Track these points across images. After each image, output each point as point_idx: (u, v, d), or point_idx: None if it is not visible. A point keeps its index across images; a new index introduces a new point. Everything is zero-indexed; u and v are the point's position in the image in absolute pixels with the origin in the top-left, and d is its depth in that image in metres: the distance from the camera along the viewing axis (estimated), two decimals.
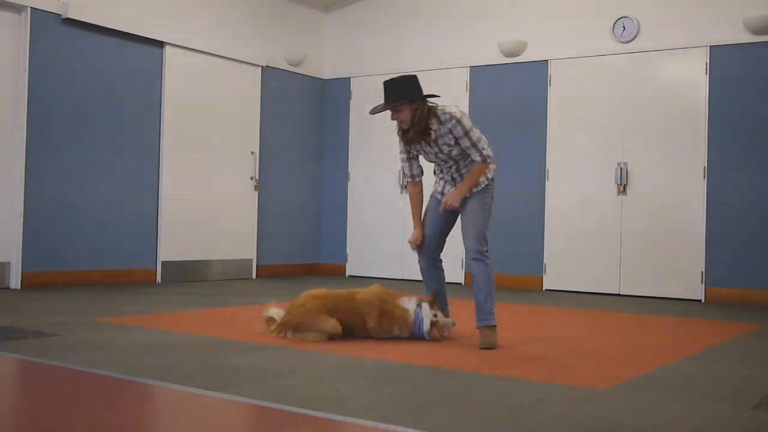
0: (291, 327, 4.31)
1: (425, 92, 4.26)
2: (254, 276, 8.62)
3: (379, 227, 8.96)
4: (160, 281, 7.68)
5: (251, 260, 8.62)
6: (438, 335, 4.34)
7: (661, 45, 7.42)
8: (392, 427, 2.52)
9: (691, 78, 7.29)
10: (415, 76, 4.31)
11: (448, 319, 4.44)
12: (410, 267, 8.75)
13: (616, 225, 7.57)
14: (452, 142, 4.27)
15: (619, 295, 7.49)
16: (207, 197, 8.15)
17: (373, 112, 4.35)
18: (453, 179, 4.42)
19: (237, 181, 8.50)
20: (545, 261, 7.95)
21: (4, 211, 6.58)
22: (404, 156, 4.46)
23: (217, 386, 3.05)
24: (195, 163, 8.02)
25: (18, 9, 6.66)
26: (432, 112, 4.24)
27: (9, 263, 6.61)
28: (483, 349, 4.14)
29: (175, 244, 7.82)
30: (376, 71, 9.10)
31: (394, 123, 4.34)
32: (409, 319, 4.33)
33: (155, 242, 7.69)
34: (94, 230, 7.16)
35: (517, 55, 8.18)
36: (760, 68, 7.00)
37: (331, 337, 4.28)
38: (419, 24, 8.85)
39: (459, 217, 4.42)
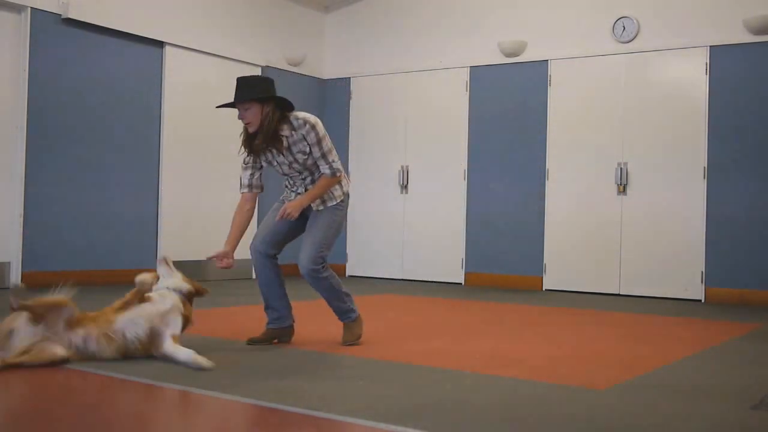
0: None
1: (282, 99, 3.99)
2: (254, 276, 8.60)
3: (379, 227, 8.96)
4: None
5: (251, 260, 8.60)
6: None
7: (661, 45, 7.42)
8: (392, 427, 2.51)
9: (691, 78, 7.29)
10: (271, 79, 4.04)
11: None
12: (410, 267, 8.76)
13: (616, 225, 7.57)
14: (307, 150, 3.97)
15: (619, 295, 7.49)
16: (207, 197, 8.14)
17: (219, 106, 4.10)
18: (306, 190, 4.09)
19: (237, 181, 8.46)
20: (545, 261, 7.95)
21: (4, 211, 6.58)
22: (247, 164, 4.09)
23: (217, 386, 3.05)
24: (195, 163, 8.01)
25: (18, 9, 6.66)
26: (284, 117, 3.96)
27: (9, 263, 6.61)
28: (347, 344, 4.09)
29: (175, 244, 7.81)
30: (376, 71, 9.10)
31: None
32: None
33: (155, 242, 7.68)
34: (94, 230, 7.16)
35: (517, 55, 8.18)
36: (760, 68, 7.00)
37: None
38: (419, 24, 8.85)
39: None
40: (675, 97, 7.35)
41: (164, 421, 2.77)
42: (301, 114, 4.01)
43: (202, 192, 8.09)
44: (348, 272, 9.22)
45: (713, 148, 7.15)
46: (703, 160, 7.19)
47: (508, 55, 8.22)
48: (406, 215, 8.80)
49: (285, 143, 3.96)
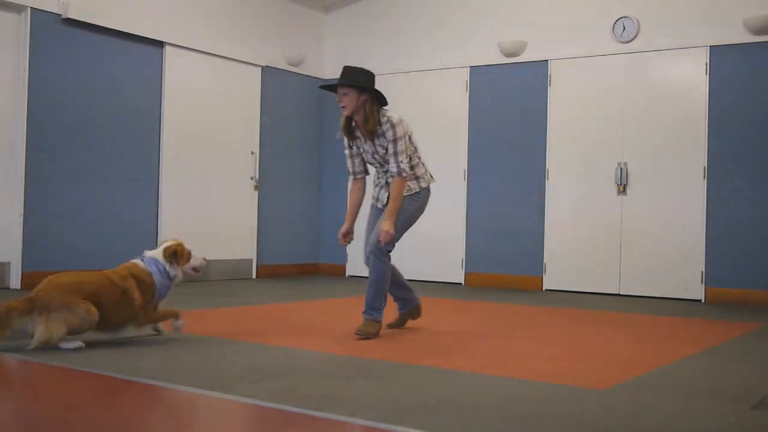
0: (37, 307, 3.66)
1: (378, 93, 4.39)
2: (254, 276, 8.62)
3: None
4: None
5: (251, 260, 8.61)
6: (176, 256, 4.06)
7: (661, 45, 7.42)
8: (392, 427, 2.52)
9: (691, 78, 7.29)
10: (372, 73, 4.47)
11: (198, 256, 4.17)
12: (410, 267, 8.75)
13: (616, 225, 7.57)
14: (385, 145, 4.39)
15: (619, 295, 7.49)
16: (207, 197, 8.15)
17: (323, 86, 4.63)
18: (387, 183, 4.53)
19: (237, 181, 8.50)
20: (545, 261, 7.95)
21: (4, 211, 6.58)
22: (348, 152, 4.60)
23: (217, 386, 3.05)
24: (195, 163, 8.01)
25: (18, 9, 6.66)
26: (377, 110, 4.38)
27: (9, 263, 6.61)
28: (359, 335, 4.34)
29: None
30: (376, 71, 9.05)
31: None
32: (152, 276, 3.99)
33: (155, 242, 7.68)
34: (94, 230, 7.16)
35: (517, 55, 8.18)
36: (760, 68, 7.00)
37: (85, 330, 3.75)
38: (419, 24, 8.85)
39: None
40: (675, 97, 7.35)
41: (164, 421, 2.76)
42: (389, 112, 4.42)
43: (202, 191, 8.09)
44: (348, 272, 9.22)
45: (713, 148, 7.15)
46: (703, 160, 7.19)
47: (508, 55, 8.22)
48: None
49: (374, 135, 4.40)
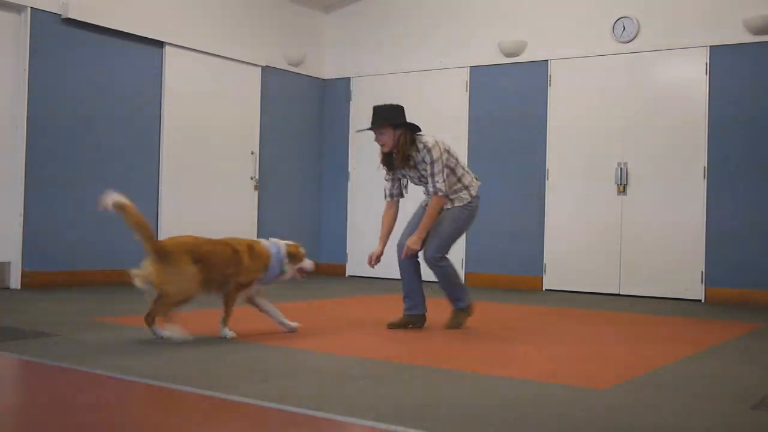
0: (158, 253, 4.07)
1: (411, 124, 4.67)
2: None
3: (379, 227, 8.92)
4: None
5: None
6: (294, 256, 4.40)
7: (661, 45, 7.42)
8: (392, 427, 2.52)
9: (691, 78, 7.29)
10: (401, 106, 4.71)
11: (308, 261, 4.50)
12: None
13: (616, 225, 7.57)
14: (426, 168, 4.69)
15: (619, 295, 7.49)
16: (207, 197, 8.15)
17: (360, 130, 4.96)
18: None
19: (237, 181, 8.50)
20: (545, 261, 7.95)
21: (4, 211, 6.58)
22: (388, 177, 4.88)
23: (217, 386, 3.05)
24: (195, 163, 8.01)
25: (18, 9, 6.66)
26: (413, 140, 4.66)
27: (9, 263, 6.61)
28: (448, 328, 4.76)
29: None
30: (376, 71, 9.11)
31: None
32: (269, 256, 4.32)
33: None
34: (94, 230, 7.16)
35: (517, 55, 8.18)
36: (760, 68, 7.00)
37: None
38: (419, 24, 8.85)
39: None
40: (675, 97, 7.35)
41: (164, 421, 2.76)
42: (425, 138, 4.68)
43: (202, 191, 8.09)
44: (348, 272, 9.22)
45: (713, 148, 7.15)
46: (703, 160, 7.19)
47: (508, 55, 8.22)
48: (406, 215, 8.78)
49: (412, 162, 4.69)
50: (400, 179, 4.88)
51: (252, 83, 8.65)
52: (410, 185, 4.97)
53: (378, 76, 9.09)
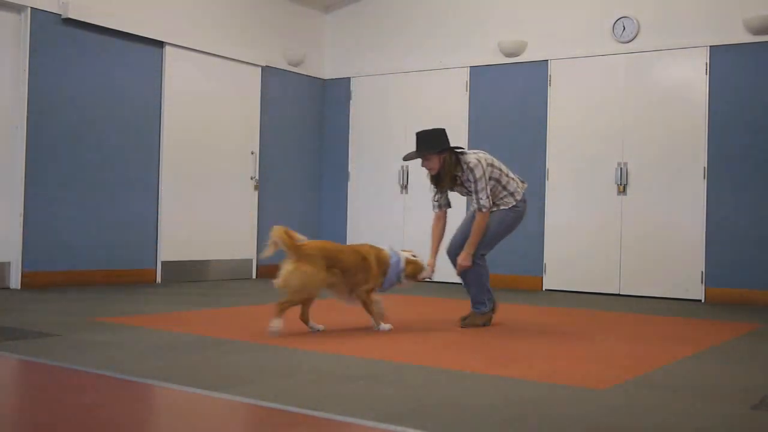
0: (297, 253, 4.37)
1: (452, 143, 4.93)
2: (254, 276, 8.62)
3: (379, 227, 8.96)
4: (160, 281, 7.68)
5: (251, 260, 8.62)
6: (412, 274, 4.74)
7: (661, 45, 7.42)
8: (392, 427, 2.52)
9: (691, 78, 7.29)
10: (443, 130, 4.97)
11: (427, 269, 4.86)
12: None
13: (616, 225, 7.57)
14: (470, 185, 4.93)
15: (619, 295, 7.49)
16: (207, 197, 8.15)
17: (406, 158, 5.07)
18: None
19: (237, 181, 8.50)
20: (545, 261, 7.95)
21: (4, 211, 6.59)
22: (435, 190, 5.07)
23: (217, 386, 3.05)
24: (195, 163, 8.02)
25: (18, 9, 6.66)
26: (458, 160, 4.90)
27: (9, 263, 6.61)
28: (463, 325, 4.92)
29: (175, 244, 7.82)
30: (376, 71, 9.11)
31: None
32: (389, 262, 4.65)
33: (155, 242, 7.69)
34: (94, 230, 7.16)
35: (517, 55, 8.18)
36: (760, 68, 7.00)
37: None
38: (419, 24, 8.85)
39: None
40: (675, 97, 7.35)
41: (164, 421, 2.77)
42: (468, 158, 4.90)
43: (202, 191, 8.09)
44: None
45: (713, 148, 7.15)
46: (703, 160, 7.19)
47: (508, 55, 8.22)
48: (406, 215, 8.80)
49: (459, 180, 4.94)
50: (447, 192, 5.08)
51: (252, 83, 8.66)
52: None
53: (378, 76, 9.09)
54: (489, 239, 4.96)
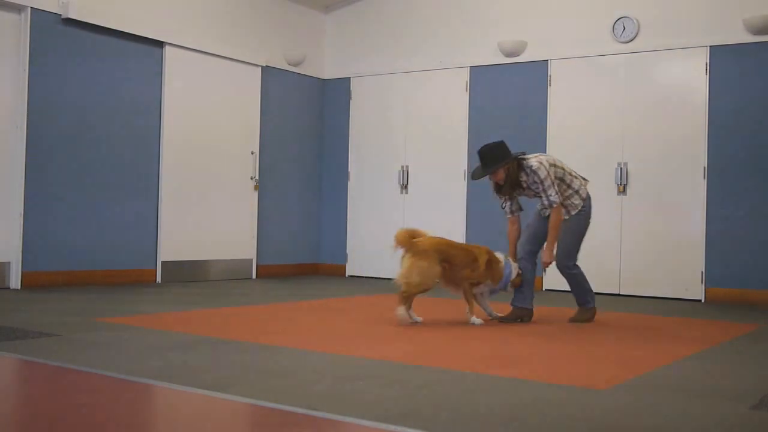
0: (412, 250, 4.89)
1: (513, 151, 5.16)
2: (254, 276, 8.62)
3: (379, 227, 8.95)
4: (160, 281, 7.68)
5: (251, 260, 8.62)
6: (514, 282, 5.20)
7: (661, 45, 7.42)
8: (392, 427, 2.51)
9: (691, 78, 7.29)
10: (503, 142, 5.17)
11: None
12: None
13: (616, 225, 7.57)
14: (537, 187, 5.18)
15: (619, 295, 7.49)
16: (207, 197, 8.15)
17: (474, 178, 5.29)
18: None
19: (237, 181, 8.50)
20: None
21: (4, 211, 6.59)
22: (499, 198, 5.34)
23: (217, 386, 3.05)
24: (195, 163, 8.02)
25: (18, 9, 6.66)
26: (521, 168, 5.15)
27: (9, 263, 6.61)
28: (572, 321, 5.34)
29: (174, 244, 7.82)
30: (376, 71, 9.11)
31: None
32: (502, 268, 5.11)
33: (155, 242, 7.69)
34: (94, 230, 7.17)
35: (517, 55, 8.18)
36: (760, 68, 7.00)
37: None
38: (419, 24, 8.85)
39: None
40: (675, 97, 7.35)
41: (164, 421, 2.77)
42: (530, 162, 5.14)
43: (202, 191, 8.09)
44: (348, 272, 9.22)
45: (713, 148, 7.15)
46: (703, 160, 7.19)
47: (508, 55, 8.22)
48: (406, 215, 8.80)
49: (524, 185, 5.21)
50: (515, 197, 5.31)
51: (252, 83, 8.66)
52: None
53: (378, 76, 9.10)
54: (570, 248, 5.30)
